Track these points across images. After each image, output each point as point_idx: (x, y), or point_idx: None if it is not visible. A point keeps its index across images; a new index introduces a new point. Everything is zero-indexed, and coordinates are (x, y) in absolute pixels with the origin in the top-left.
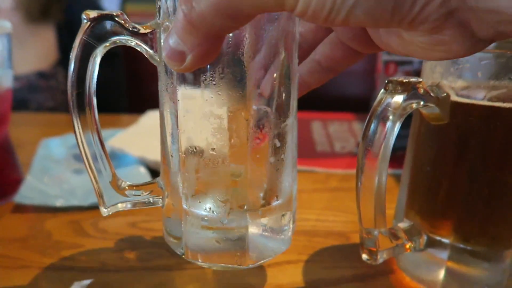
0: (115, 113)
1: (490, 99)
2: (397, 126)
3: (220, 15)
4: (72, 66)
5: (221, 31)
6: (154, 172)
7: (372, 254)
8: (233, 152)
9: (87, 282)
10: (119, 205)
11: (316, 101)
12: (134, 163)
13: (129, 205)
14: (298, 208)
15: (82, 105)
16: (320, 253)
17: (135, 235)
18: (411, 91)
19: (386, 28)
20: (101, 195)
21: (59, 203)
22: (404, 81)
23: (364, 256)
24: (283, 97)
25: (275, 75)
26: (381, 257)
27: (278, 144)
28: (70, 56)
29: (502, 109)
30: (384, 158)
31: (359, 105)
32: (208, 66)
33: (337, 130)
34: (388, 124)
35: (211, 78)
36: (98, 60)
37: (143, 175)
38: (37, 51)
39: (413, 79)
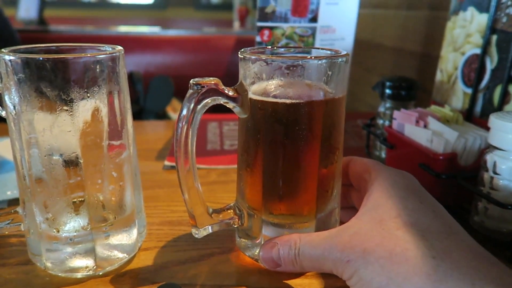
0: None
1: (273, 96)
2: (197, 121)
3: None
4: None
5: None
6: None
7: (196, 229)
8: (74, 183)
9: None
10: None
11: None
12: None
13: None
14: (171, 202)
15: None
16: (177, 239)
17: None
18: (205, 90)
19: None
20: None
21: None
22: (200, 82)
23: (193, 231)
24: (118, 133)
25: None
26: (204, 231)
27: (115, 175)
28: None
29: (279, 103)
30: (187, 150)
31: None
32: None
33: (230, 129)
34: (185, 120)
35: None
36: None
37: None
38: None
39: (209, 80)
